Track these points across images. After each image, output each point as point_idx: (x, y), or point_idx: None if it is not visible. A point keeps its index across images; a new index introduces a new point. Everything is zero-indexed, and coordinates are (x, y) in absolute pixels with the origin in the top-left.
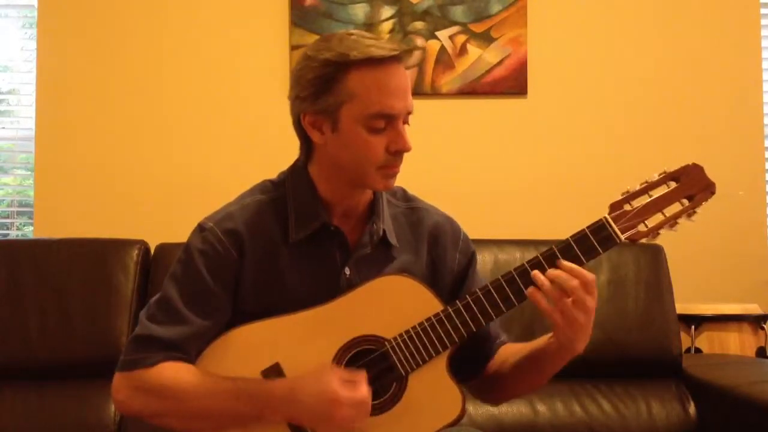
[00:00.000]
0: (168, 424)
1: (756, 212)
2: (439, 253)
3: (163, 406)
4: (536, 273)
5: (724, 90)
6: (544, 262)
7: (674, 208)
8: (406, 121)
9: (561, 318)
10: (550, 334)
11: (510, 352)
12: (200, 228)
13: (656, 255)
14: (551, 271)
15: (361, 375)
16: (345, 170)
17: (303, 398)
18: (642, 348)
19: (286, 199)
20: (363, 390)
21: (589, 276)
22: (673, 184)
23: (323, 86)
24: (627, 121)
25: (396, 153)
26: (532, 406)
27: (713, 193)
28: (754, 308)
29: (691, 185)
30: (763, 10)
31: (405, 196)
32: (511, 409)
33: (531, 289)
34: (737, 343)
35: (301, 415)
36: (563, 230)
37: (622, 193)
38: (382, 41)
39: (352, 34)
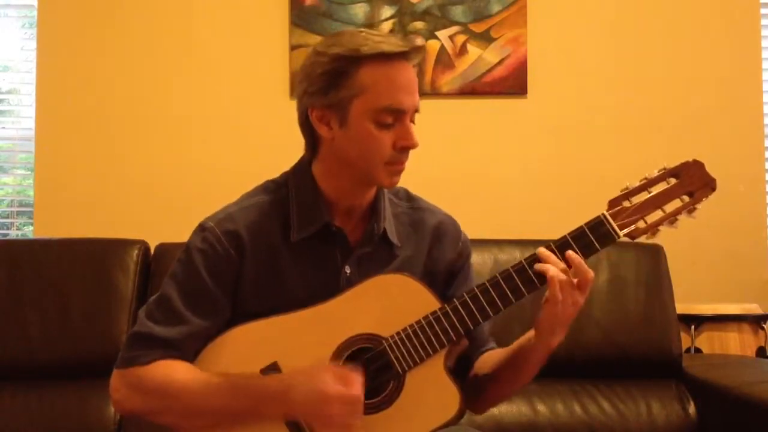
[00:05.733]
0: (165, 421)
1: (756, 212)
2: (439, 251)
3: (159, 404)
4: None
5: (724, 89)
6: (556, 250)
7: (674, 204)
8: (412, 119)
9: (560, 304)
10: (527, 334)
11: (488, 357)
12: (201, 228)
13: (656, 255)
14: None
15: (356, 373)
16: (351, 166)
17: (295, 394)
18: (642, 348)
19: (288, 200)
20: (356, 388)
21: (590, 273)
22: (673, 181)
23: (333, 81)
24: (627, 121)
25: (403, 149)
26: (532, 406)
27: (714, 189)
28: (754, 308)
29: (692, 181)
30: (763, 10)
31: (408, 196)
32: (511, 409)
33: (539, 265)
34: (737, 343)
35: (294, 411)
36: (563, 230)
37: (621, 190)
38: (392, 38)
39: (361, 32)
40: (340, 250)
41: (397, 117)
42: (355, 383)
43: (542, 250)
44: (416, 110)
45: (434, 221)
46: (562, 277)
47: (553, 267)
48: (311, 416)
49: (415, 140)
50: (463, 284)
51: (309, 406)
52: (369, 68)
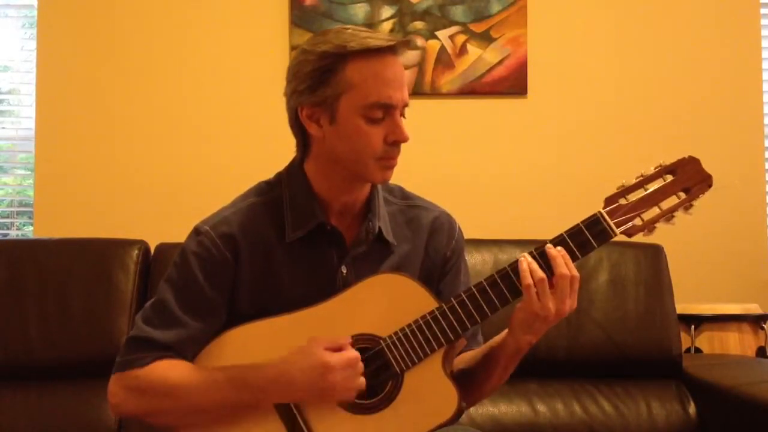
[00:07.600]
0: (164, 421)
1: (756, 212)
2: (434, 246)
3: (158, 404)
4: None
5: (725, 89)
6: (538, 257)
7: (671, 201)
8: (402, 114)
9: (536, 300)
10: (501, 333)
11: (462, 358)
12: (196, 232)
13: (656, 255)
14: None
15: (345, 339)
16: (343, 163)
17: (295, 374)
18: (642, 348)
19: (281, 200)
20: (349, 350)
21: (576, 272)
22: (669, 178)
23: (321, 78)
24: (627, 121)
25: (394, 143)
26: (532, 406)
27: (710, 185)
28: (754, 308)
29: (688, 178)
30: (763, 10)
31: (403, 194)
32: (511, 409)
33: (522, 259)
34: (737, 343)
35: (296, 392)
36: (563, 230)
37: (618, 187)
38: (379, 33)
39: (348, 28)
40: (336, 250)
41: (386, 112)
42: (347, 346)
43: (521, 262)
44: (405, 104)
45: (430, 218)
46: (536, 278)
47: (530, 276)
48: (314, 391)
49: (405, 134)
50: (452, 283)
51: (311, 382)
52: (356, 64)
